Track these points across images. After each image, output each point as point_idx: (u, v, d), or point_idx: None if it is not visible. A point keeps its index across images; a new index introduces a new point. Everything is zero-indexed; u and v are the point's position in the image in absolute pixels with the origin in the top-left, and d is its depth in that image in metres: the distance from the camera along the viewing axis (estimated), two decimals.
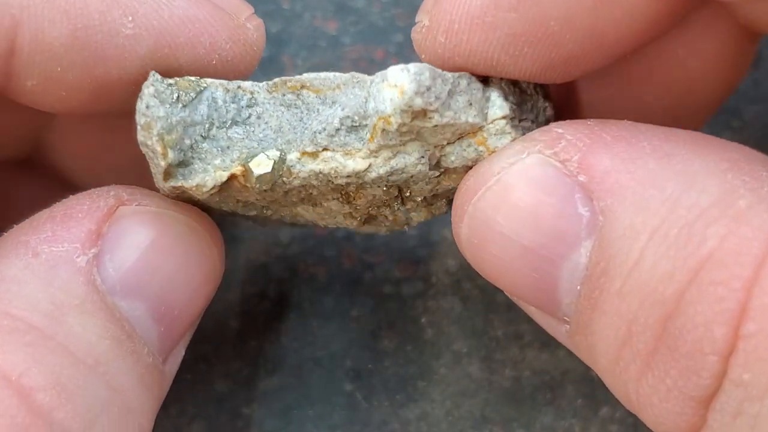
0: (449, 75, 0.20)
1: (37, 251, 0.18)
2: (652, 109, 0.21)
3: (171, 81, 0.20)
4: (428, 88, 0.19)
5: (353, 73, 0.21)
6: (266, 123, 0.21)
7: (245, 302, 0.28)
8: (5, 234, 0.19)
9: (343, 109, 0.21)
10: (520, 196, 0.18)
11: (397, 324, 0.28)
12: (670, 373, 0.16)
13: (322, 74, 0.21)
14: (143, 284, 0.19)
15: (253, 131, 0.21)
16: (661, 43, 0.21)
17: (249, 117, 0.21)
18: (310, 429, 0.27)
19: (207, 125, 0.21)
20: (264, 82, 0.21)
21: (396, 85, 0.19)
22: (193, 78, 0.21)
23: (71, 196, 0.20)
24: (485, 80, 0.21)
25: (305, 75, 0.21)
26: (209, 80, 0.21)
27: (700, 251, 0.16)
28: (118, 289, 0.19)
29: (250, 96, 0.21)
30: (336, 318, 0.28)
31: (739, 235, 0.16)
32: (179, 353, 0.21)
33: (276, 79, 0.21)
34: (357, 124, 0.20)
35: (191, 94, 0.20)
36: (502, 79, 0.21)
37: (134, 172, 0.22)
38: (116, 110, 0.21)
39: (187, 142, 0.20)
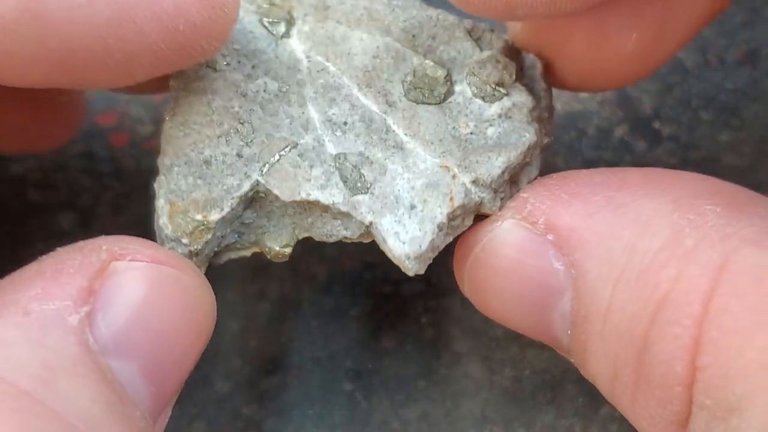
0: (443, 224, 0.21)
1: (28, 310, 0.17)
2: (643, 17, 0.21)
3: (174, 235, 0.21)
4: (430, 248, 0.21)
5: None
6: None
7: (245, 302, 0.28)
8: None
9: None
10: (503, 259, 0.20)
11: (397, 324, 0.28)
12: (651, 403, 0.18)
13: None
14: (136, 344, 0.18)
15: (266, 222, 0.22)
16: None
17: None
18: (310, 429, 0.27)
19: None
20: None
21: (396, 257, 0.21)
22: (197, 222, 0.21)
23: (60, 249, 0.19)
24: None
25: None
26: (214, 220, 0.21)
27: (657, 293, 0.17)
28: (111, 349, 0.18)
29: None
30: (336, 318, 0.28)
31: (688, 274, 0.17)
32: (168, 412, 0.20)
33: None
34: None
35: (205, 236, 0.21)
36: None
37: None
38: (75, 83, 0.20)
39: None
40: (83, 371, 0.17)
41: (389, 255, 0.21)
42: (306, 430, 0.27)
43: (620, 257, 0.18)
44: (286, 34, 0.22)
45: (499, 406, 0.27)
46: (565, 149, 0.29)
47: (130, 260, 0.19)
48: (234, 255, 0.23)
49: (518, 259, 0.20)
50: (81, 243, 0.19)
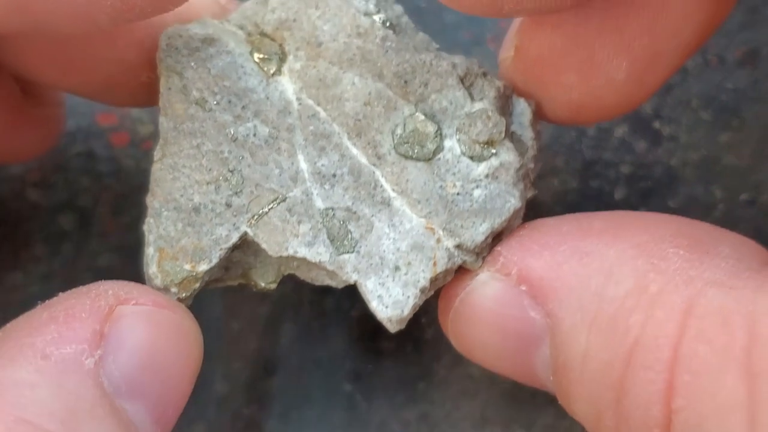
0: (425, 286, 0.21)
1: (47, 353, 0.18)
2: (632, 46, 0.22)
3: (164, 285, 0.21)
4: (412, 311, 0.21)
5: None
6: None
7: (245, 303, 0.28)
8: (2, 334, 0.19)
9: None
10: (481, 311, 0.21)
11: None
12: None
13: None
14: (145, 385, 0.19)
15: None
16: None
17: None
18: (310, 430, 0.27)
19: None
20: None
21: (379, 318, 0.21)
22: (186, 272, 0.21)
23: (64, 293, 0.20)
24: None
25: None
26: (203, 271, 0.21)
27: (628, 340, 0.18)
28: (123, 391, 0.19)
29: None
30: (336, 318, 0.28)
31: (655, 319, 0.17)
32: None
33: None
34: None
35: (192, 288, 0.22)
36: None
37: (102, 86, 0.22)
38: (32, 25, 0.20)
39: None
40: (102, 413, 0.18)
41: (372, 311, 0.21)
42: (306, 430, 0.27)
43: (590, 305, 0.19)
44: (278, 72, 0.22)
45: (499, 407, 0.27)
46: (565, 149, 0.29)
47: (134, 304, 0.19)
48: (220, 285, 0.23)
49: (496, 310, 0.21)
50: (86, 288, 0.20)
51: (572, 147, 0.29)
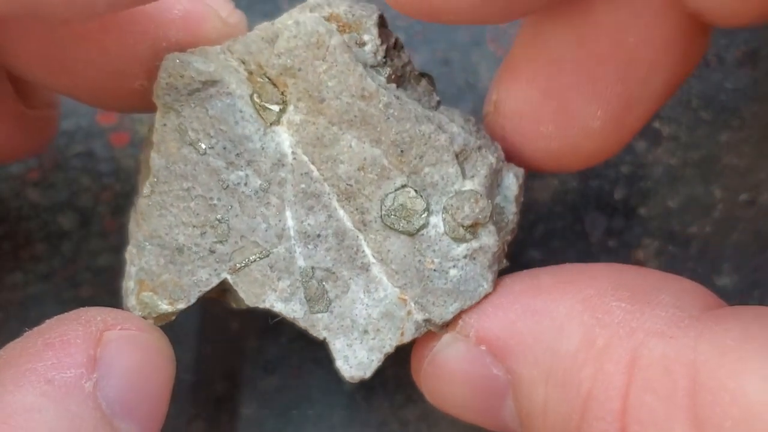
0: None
1: (49, 378, 0.19)
2: (604, 94, 0.22)
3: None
4: (373, 372, 0.22)
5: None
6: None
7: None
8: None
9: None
10: (447, 372, 0.22)
11: None
12: None
13: None
14: (136, 404, 0.20)
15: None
16: (613, 31, 0.22)
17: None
18: (309, 429, 0.27)
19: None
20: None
21: (341, 374, 0.22)
22: (164, 309, 0.22)
23: (52, 320, 0.20)
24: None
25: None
26: (180, 309, 0.22)
27: (581, 392, 0.19)
28: (118, 411, 0.19)
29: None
30: None
31: (604, 372, 0.18)
32: None
33: None
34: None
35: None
36: None
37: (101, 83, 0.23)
38: (29, 9, 0.20)
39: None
40: None
41: (336, 367, 0.22)
42: (305, 430, 0.27)
43: (545, 361, 0.20)
44: (276, 122, 0.21)
45: None
46: None
47: (120, 329, 0.20)
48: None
49: (461, 369, 0.21)
50: (74, 314, 0.21)
51: None
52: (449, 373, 0.22)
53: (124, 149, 0.29)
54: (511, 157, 0.23)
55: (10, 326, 0.27)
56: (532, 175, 0.29)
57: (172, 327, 0.27)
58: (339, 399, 0.27)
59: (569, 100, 0.22)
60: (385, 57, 0.22)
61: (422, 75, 0.23)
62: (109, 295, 0.28)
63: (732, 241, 0.29)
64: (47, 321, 0.20)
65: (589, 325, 0.19)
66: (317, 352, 0.28)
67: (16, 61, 0.22)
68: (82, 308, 0.21)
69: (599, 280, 0.20)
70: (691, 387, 0.17)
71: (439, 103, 0.23)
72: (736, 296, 0.28)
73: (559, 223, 0.29)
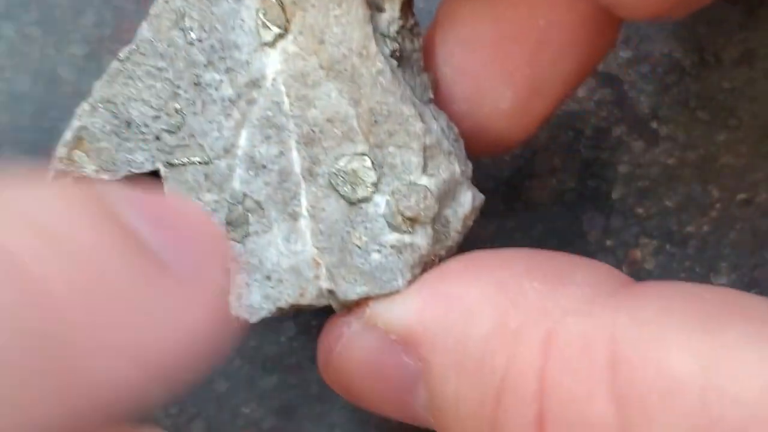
0: None
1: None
2: (514, 76, 0.23)
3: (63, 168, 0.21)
4: (258, 321, 0.21)
5: None
6: None
7: None
8: None
9: None
10: (357, 362, 0.21)
11: None
12: None
13: None
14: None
15: None
16: (525, 12, 0.22)
17: None
18: (309, 428, 0.27)
19: None
20: None
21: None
22: (88, 172, 0.21)
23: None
24: None
25: None
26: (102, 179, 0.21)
27: (495, 379, 0.18)
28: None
29: None
30: None
31: (519, 354, 0.18)
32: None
33: None
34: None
35: None
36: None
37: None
38: None
39: None
40: None
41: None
42: (305, 428, 0.27)
43: (456, 348, 0.19)
44: (271, 44, 0.21)
45: None
46: (562, 149, 0.30)
47: None
48: None
49: (371, 359, 0.21)
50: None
51: (570, 147, 0.30)
52: (358, 362, 0.21)
53: None
54: None
55: None
56: (530, 174, 0.29)
57: None
58: (338, 398, 0.27)
59: (481, 80, 0.23)
60: (397, 33, 0.22)
61: (427, 72, 0.23)
62: None
63: (730, 240, 0.29)
64: None
65: (502, 307, 0.19)
66: (316, 350, 0.28)
67: None
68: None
69: (512, 263, 0.20)
70: (610, 362, 0.17)
71: (431, 101, 0.23)
72: None
73: (556, 222, 0.29)
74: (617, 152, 0.30)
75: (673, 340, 0.16)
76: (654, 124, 0.30)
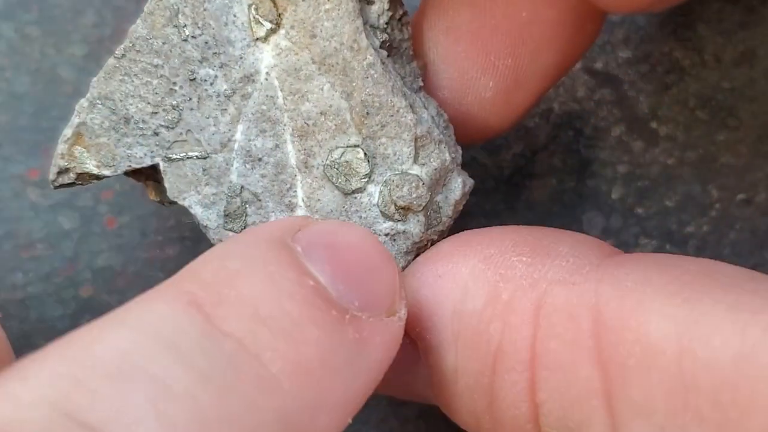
0: None
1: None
2: (496, 66, 0.23)
3: (66, 166, 0.22)
4: None
5: None
6: None
7: None
8: None
9: None
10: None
11: None
12: None
13: None
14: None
15: None
16: (508, 4, 0.23)
17: None
18: None
19: None
20: None
21: None
22: (89, 169, 0.22)
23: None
24: None
25: None
26: (104, 175, 0.22)
27: (490, 349, 0.19)
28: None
29: None
30: None
31: (511, 324, 0.19)
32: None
33: None
34: None
35: None
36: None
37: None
38: None
39: None
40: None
41: None
42: None
43: (452, 323, 0.20)
44: (264, 39, 0.21)
45: None
46: (562, 149, 0.30)
47: None
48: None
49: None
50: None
51: (569, 146, 0.30)
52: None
53: None
54: None
55: (11, 326, 0.28)
56: (529, 174, 0.29)
57: None
58: None
59: (465, 69, 0.23)
60: (387, 24, 0.22)
61: (417, 59, 0.24)
62: (110, 295, 0.28)
63: (729, 240, 0.29)
64: None
65: (492, 281, 0.19)
66: None
67: None
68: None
69: (498, 239, 0.20)
70: (594, 329, 0.17)
71: (421, 89, 0.23)
72: None
73: (556, 222, 0.29)
74: (617, 152, 0.30)
75: (652, 307, 0.17)
76: (654, 124, 0.30)
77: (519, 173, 0.29)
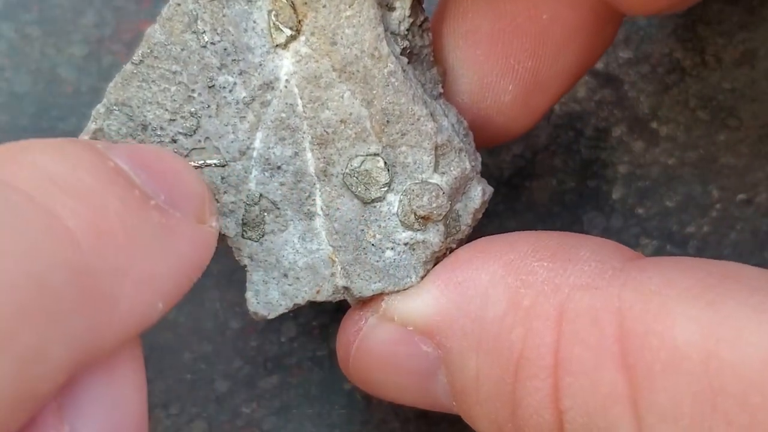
0: None
1: None
2: (516, 69, 0.23)
3: None
4: (277, 316, 0.22)
5: None
6: None
7: (245, 302, 0.28)
8: None
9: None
10: (377, 355, 0.22)
11: None
12: None
13: None
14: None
15: None
16: (529, 6, 0.23)
17: None
18: (309, 428, 0.27)
19: None
20: None
21: (247, 303, 0.22)
22: None
23: None
24: None
25: None
26: None
27: (513, 355, 0.19)
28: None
29: None
30: (336, 317, 0.28)
31: (533, 331, 0.18)
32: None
33: None
34: None
35: None
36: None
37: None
38: None
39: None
40: None
41: (245, 297, 0.22)
42: (305, 428, 0.27)
43: (473, 330, 0.20)
44: (284, 46, 0.21)
45: None
46: (563, 149, 0.30)
47: None
48: None
49: (390, 351, 0.21)
50: None
51: (570, 147, 0.30)
52: (378, 356, 0.22)
53: None
54: None
55: None
56: (530, 175, 0.29)
57: (172, 327, 0.28)
58: (338, 397, 0.27)
59: (484, 73, 0.23)
60: (408, 30, 0.22)
61: (436, 65, 0.23)
62: None
63: (730, 240, 0.29)
64: None
65: (513, 287, 0.19)
66: (317, 350, 0.28)
67: None
68: None
69: (518, 244, 0.20)
70: (618, 334, 0.17)
71: (441, 96, 0.23)
72: None
73: (557, 223, 0.29)
74: (617, 152, 0.30)
75: (677, 311, 0.17)
76: (654, 124, 0.30)
77: (519, 174, 0.29)
